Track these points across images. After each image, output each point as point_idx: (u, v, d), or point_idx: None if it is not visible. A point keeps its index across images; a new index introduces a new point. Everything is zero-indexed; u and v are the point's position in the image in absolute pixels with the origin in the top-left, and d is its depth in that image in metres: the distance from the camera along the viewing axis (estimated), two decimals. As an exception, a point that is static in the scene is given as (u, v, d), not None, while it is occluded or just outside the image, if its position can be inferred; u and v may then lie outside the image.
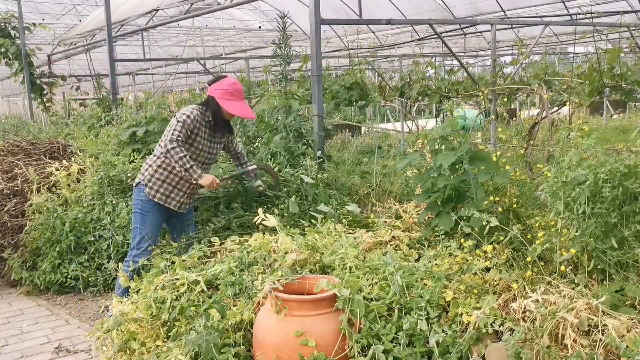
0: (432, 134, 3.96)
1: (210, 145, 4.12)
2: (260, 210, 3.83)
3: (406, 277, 3.03)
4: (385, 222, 4.14)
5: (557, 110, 7.14)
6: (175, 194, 4.05)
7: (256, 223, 3.83)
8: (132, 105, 7.93)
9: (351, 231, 4.02)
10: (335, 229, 3.82)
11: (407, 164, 4.20)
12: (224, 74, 4.09)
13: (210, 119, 4.07)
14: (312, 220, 4.01)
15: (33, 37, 12.94)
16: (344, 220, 4.10)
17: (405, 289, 2.95)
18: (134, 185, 4.11)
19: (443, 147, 3.74)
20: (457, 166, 3.69)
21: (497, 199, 3.55)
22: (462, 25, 10.99)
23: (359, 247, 3.50)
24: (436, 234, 3.70)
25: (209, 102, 4.06)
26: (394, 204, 4.43)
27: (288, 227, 3.89)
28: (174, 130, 3.85)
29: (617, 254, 2.88)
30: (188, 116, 3.91)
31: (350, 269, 3.21)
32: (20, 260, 5.14)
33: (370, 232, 3.88)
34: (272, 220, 3.71)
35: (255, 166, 4.40)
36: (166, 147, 3.82)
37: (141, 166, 4.18)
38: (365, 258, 3.46)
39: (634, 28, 8.23)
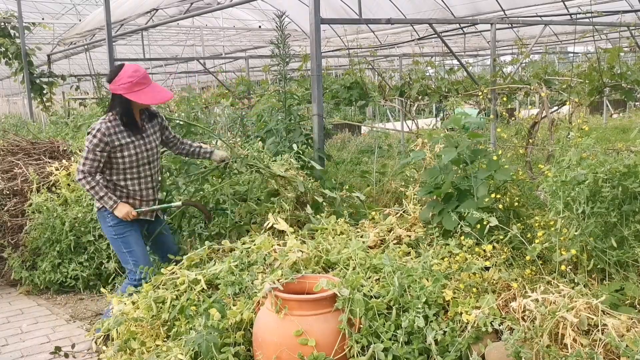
0: (435, 133, 3.98)
1: (145, 143, 3.78)
2: (270, 215, 3.86)
3: (405, 278, 3.03)
4: (389, 213, 4.14)
5: (557, 110, 7.15)
6: (143, 204, 3.84)
7: (267, 227, 3.85)
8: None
9: (356, 224, 4.04)
10: (343, 225, 3.84)
11: (409, 162, 4.22)
12: (119, 64, 3.73)
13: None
14: (318, 215, 4.02)
15: (33, 36, 12.94)
16: (345, 212, 4.12)
17: (407, 289, 2.96)
18: (96, 210, 3.84)
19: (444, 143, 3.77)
20: (460, 165, 3.72)
21: (498, 196, 3.56)
22: (462, 25, 10.98)
23: (365, 248, 3.52)
24: (433, 232, 3.71)
25: (116, 101, 3.67)
26: (402, 188, 4.39)
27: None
28: (80, 159, 3.63)
29: (616, 253, 2.88)
30: (94, 135, 3.58)
31: (354, 268, 3.22)
32: (20, 260, 5.14)
33: (377, 229, 3.89)
34: (283, 224, 3.74)
35: (180, 202, 4.04)
36: (75, 177, 3.64)
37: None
38: (366, 256, 3.46)
39: (633, 27, 8.23)
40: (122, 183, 3.74)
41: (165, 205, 4.00)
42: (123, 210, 3.68)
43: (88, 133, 3.65)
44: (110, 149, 3.62)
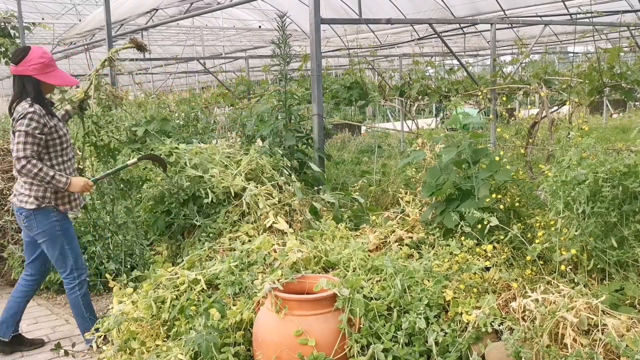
0: (435, 132, 3.99)
1: (65, 125, 3.65)
2: (270, 213, 3.86)
3: (406, 280, 3.03)
4: (389, 217, 4.14)
5: (557, 110, 7.15)
6: (78, 194, 3.67)
7: (267, 225, 3.85)
8: (132, 105, 7.93)
9: (355, 228, 4.03)
10: (341, 230, 3.83)
11: (410, 161, 4.22)
12: (24, 46, 3.54)
13: (51, 104, 3.57)
14: (317, 220, 4.01)
15: (33, 36, 12.94)
16: (344, 215, 4.11)
17: (407, 290, 2.96)
18: (28, 210, 3.50)
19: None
20: (463, 165, 3.72)
21: (499, 196, 3.57)
22: (462, 25, 10.99)
23: (365, 249, 3.52)
24: (434, 233, 3.71)
25: (27, 84, 3.44)
26: (403, 193, 4.37)
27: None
28: (19, 146, 3.33)
29: (616, 253, 2.88)
30: (31, 118, 3.35)
31: (354, 269, 3.23)
32: (20, 260, 5.14)
33: (377, 232, 3.89)
34: (283, 224, 3.74)
35: (135, 160, 3.96)
36: (15, 167, 3.33)
37: (20, 193, 3.55)
38: (368, 257, 3.46)
39: (633, 27, 8.23)
40: (62, 166, 3.56)
41: (122, 165, 3.92)
42: (79, 183, 3.48)
43: (21, 117, 3.35)
44: (47, 130, 3.43)
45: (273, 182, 4.31)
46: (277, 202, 4.10)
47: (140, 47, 4.19)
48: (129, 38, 4.31)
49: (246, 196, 4.04)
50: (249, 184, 4.20)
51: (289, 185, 4.36)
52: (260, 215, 4.01)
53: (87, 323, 3.67)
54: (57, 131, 3.51)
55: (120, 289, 3.56)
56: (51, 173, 3.40)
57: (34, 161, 3.36)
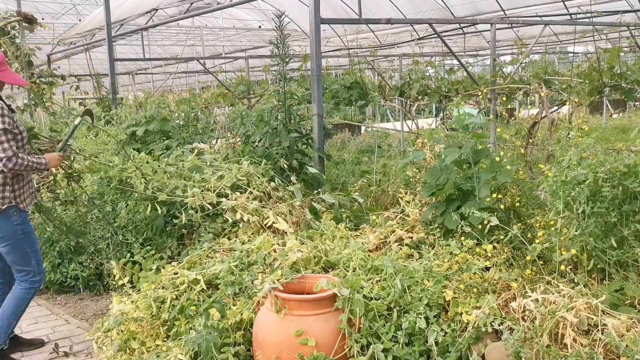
0: (435, 132, 3.99)
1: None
2: (270, 213, 3.86)
3: (406, 280, 3.03)
4: (389, 217, 4.14)
5: (557, 110, 7.15)
6: (32, 188, 3.66)
7: (267, 225, 3.86)
8: (132, 105, 7.94)
9: (355, 228, 4.03)
10: (341, 230, 3.84)
11: (409, 161, 4.23)
12: None
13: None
14: (317, 220, 4.02)
15: (33, 36, 12.92)
16: (343, 215, 4.11)
17: (407, 290, 2.96)
18: None
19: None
20: (464, 166, 3.72)
21: (499, 196, 3.57)
22: (462, 25, 10.99)
23: (365, 249, 3.52)
24: (434, 234, 3.71)
25: None
26: (403, 193, 4.37)
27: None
28: (4, 145, 3.28)
29: (616, 253, 2.88)
30: (3, 115, 3.33)
31: (354, 269, 3.23)
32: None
33: (377, 232, 3.89)
34: (283, 224, 3.75)
35: (79, 118, 4.17)
36: (6, 167, 3.27)
37: None
38: (368, 257, 3.47)
39: (633, 27, 8.24)
40: None
41: (72, 128, 4.13)
42: (54, 157, 3.63)
43: None
44: (14, 125, 3.42)
45: (260, 190, 4.31)
46: (263, 208, 4.10)
47: (30, 20, 4.16)
48: (15, 11, 4.23)
49: (227, 213, 4.04)
50: (235, 192, 4.20)
51: (278, 192, 4.37)
52: (251, 223, 4.01)
53: (11, 326, 3.60)
54: (18, 127, 3.50)
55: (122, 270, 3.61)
56: (33, 159, 3.45)
57: (20, 154, 3.37)
